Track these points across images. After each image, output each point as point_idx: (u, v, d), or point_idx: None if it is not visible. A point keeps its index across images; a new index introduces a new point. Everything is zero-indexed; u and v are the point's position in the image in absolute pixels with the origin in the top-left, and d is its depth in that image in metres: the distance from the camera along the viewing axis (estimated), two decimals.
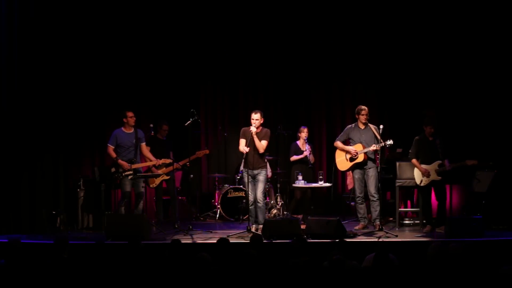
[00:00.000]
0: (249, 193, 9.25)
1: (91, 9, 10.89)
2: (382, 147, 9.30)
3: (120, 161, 9.50)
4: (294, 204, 10.86)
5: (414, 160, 9.42)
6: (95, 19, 10.92)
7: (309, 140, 10.86)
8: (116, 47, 11.25)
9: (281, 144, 11.44)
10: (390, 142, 9.24)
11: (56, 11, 10.51)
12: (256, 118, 9.16)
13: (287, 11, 11.91)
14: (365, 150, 9.41)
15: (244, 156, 9.23)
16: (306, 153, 10.58)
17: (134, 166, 9.54)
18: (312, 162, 10.76)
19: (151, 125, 10.20)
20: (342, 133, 9.83)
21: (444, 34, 11.18)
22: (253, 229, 9.04)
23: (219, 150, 12.16)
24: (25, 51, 10.32)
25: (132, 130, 9.71)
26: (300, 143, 10.72)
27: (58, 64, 10.58)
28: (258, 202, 9.20)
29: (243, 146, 9.21)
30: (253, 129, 9.12)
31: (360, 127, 9.57)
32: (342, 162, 9.75)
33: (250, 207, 9.25)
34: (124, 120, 9.73)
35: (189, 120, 9.71)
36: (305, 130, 10.74)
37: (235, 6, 11.88)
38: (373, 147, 9.30)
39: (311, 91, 12.09)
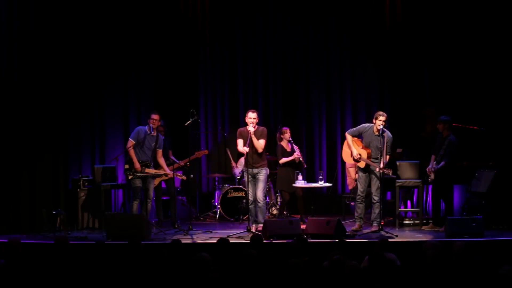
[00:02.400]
0: (249, 192, 9.25)
1: (89, 8, 10.94)
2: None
3: (135, 160, 9.42)
4: (283, 206, 10.70)
5: (433, 157, 9.58)
6: (92, 18, 10.94)
7: (309, 140, 10.76)
8: (116, 48, 11.23)
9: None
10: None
11: (55, 12, 10.57)
12: (254, 117, 9.18)
13: (286, 11, 11.92)
14: (368, 161, 9.23)
15: (244, 156, 9.24)
16: (297, 155, 10.33)
17: (148, 170, 9.48)
18: (302, 162, 10.45)
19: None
20: (356, 128, 9.58)
21: (445, 33, 11.16)
22: (253, 229, 9.04)
23: (219, 150, 12.14)
24: (25, 50, 10.34)
25: (155, 133, 9.63)
26: (284, 144, 10.54)
27: (59, 65, 10.59)
28: (258, 202, 9.19)
29: (241, 146, 9.23)
30: (251, 128, 9.13)
31: (374, 132, 9.28)
32: (347, 155, 9.66)
33: (250, 206, 9.26)
34: (148, 121, 9.66)
35: (189, 120, 9.71)
36: (288, 130, 10.47)
37: (234, 4, 11.91)
38: (376, 166, 9.09)
39: (311, 91, 12.06)
